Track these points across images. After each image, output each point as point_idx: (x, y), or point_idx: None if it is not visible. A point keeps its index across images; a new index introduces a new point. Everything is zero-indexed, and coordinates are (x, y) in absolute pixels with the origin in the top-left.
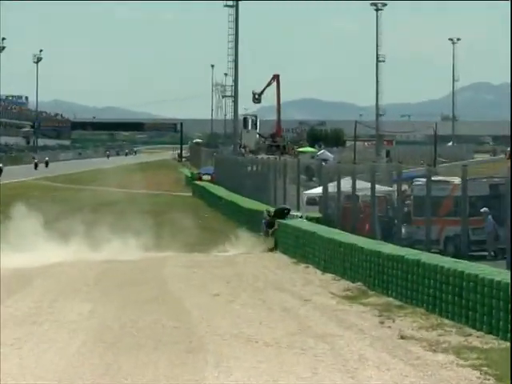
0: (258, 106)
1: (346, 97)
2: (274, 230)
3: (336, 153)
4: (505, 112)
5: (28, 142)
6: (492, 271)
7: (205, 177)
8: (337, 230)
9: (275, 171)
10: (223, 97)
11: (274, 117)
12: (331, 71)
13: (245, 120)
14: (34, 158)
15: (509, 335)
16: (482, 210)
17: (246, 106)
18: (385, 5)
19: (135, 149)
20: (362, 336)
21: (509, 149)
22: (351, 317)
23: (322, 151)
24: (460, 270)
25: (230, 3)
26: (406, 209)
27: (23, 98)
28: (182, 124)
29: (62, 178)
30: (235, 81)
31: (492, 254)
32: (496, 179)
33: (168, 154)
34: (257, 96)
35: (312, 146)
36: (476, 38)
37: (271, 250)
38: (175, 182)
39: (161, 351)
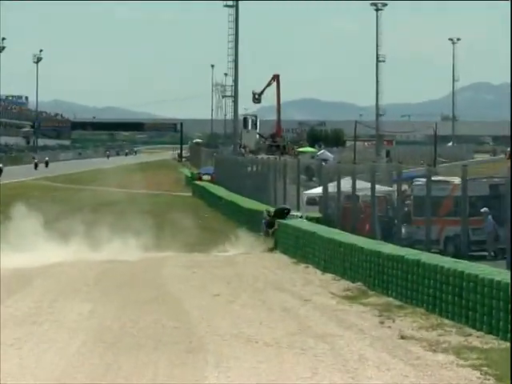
0: (257, 106)
1: (346, 97)
2: (274, 230)
3: (336, 153)
4: (505, 112)
5: (28, 142)
6: (492, 271)
7: (205, 177)
8: (337, 230)
9: (275, 171)
10: (223, 97)
11: (274, 117)
12: (331, 71)
13: (245, 120)
14: (33, 158)
15: (509, 335)
16: (481, 210)
17: (246, 106)
18: (385, 5)
19: (135, 149)
20: (362, 336)
21: (509, 149)
22: (351, 317)
23: (321, 151)
24: (460, 270)
25: (230, 3)
26: (405, 209)
27: (23, 98)
28: (181, 124)
29: (62, 178)
30: (235, 81)
31: (492, 254)
32: (496, 179)
33: (168, 154)
34: (257, 96)
35: (312, 146)
36: (476, 37)
37: (271, 250)
38: (175, 182)
39: (161, 351)
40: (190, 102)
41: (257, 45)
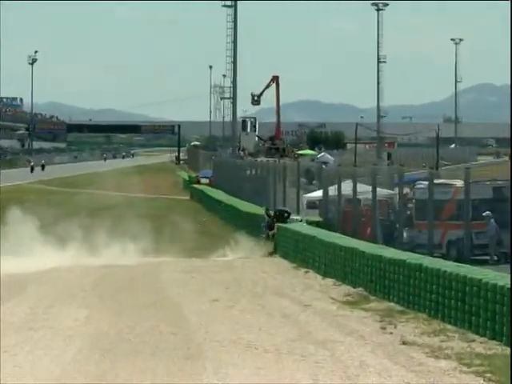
0: (256, 107)
1: (347, 98)
2: (273, 233)
3: (336, 155)
4: (508, 113)
5: (23, 145)
6: (495, 276)
7: (203, 180)
8: (337, 234)
9: (275, 174)
10: (222, 98)
11: (274, 119)
12: (331, 72)
13: (244, 122)
14: (29, 161)
15: None
16: (484, 214)
17: (245, 108)
18: (386, 5)
19: (132, 151)
20: (363, 342)
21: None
22: (352, 322)
23: (322, 154)
24: (463, 274)
25: (229, 3)
26: (407, 212)
27: (18, 100)
28: (179, 126)
29: (59, 182)
30: (234, 82)
31: (495, 258)
32: (499, 182)
33: (166, 156)
34: (256, 98)
35: (312, 149)
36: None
37: (271, 254)
38: (173, 186)
39: (158, 358)
40: (188, 103)
41: (256, 46)
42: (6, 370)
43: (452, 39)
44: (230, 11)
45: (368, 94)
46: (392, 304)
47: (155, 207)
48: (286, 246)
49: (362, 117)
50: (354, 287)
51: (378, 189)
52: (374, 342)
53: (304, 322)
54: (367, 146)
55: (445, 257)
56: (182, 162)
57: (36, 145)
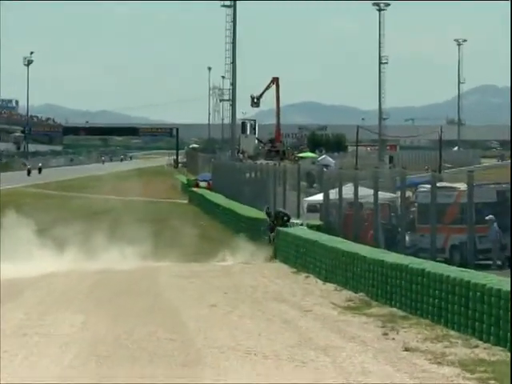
0: (256, 109)
1: (348, 100)
2: (273, 236)
3: (337, 158)
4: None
5: (18, 148)
6: (499, 281)
7: (202, 183)
8: (338, 239)
9: (275, 177)
10: (221, 100)
11: (273, 121)
12: (332, 73)
13: (243, 124)
14: (24, 165)
15: None
16: (487, 218)
17: (245, 110)
18: (388, 5)
19: (130, 154)
20: (365, 348)
21: None
22: (353, 328)
23: (322, 157)
24: (466, 279)
25: (228, 3)
26: (410, 216)
27: (13, 102)
28: (177, 129)
29: (57, 185)
30: (233, 84)
31: (499, 263)
32: (504, 185)
33: (164, 159)
34: (255, 99)
35: (313, 152)
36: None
37: (271, 259)
38: (171, 189)
39: (156, 364)
40: (187, 105)
41: (256, 46)
42: (1, 376)
43: (455, 40)
44: (229, 11)
45: (370, 96)
46: (394, 309)
47: (153, 211)
48: (287, 250)
49: (363, 119)
50: (356, 292)
51: (379, 192)
52: (376, 348)
53: (304, 328)
54: (369, 148)
55: (448, 261)
56: (180, 164)
57: (32, 147)
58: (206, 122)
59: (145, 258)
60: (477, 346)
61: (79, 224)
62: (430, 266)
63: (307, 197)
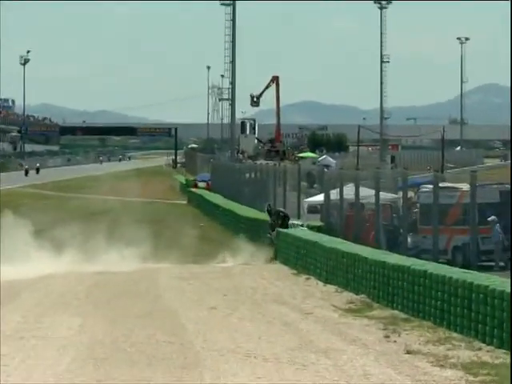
0: (256, 109)
1: (349, 99)
2: (274, 235)
3: (338, 158)
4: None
5: (15, 148)
6: (502, 282)
7: (201, 184)
8: (339, 240)
9: (275, 178)
10: (220, 100)
11: (273, 121)
12: (333, 72)
13: (243, 124)
14: (21, 165)
15: None
16: (489, 219)
17: (244, 110)
18: (389, 3)
19: (129, 154)
20: (366, 351)
21: None
22: (355, 331)
23: (323, 157)
24: (469, 281)
25: (227, 2)
26: (412, 217)
27: (9, 102)
28: (176, 129)
29: (55, 186)
30: (232, 83)
31: (502, 264)
32: (507, 185)
33: (162, 159)
34: (255, 99)
35: (313, 152)
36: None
37: (271, 260)
38: (170, 190)
39: (155, 367)
40: (185, 105)
41: (255, 45)
42: None
43: (458, 38)
44: (229, 9)
45: (371, 95)
46: (396, 311)
47: (152, 212)
48: (287, 251)
49: (364, 118)
50: (357, 294)
51: (381, 193)
52: (378, 350)
53: (305, 331)
54: (370, 148)
55: (450, 263)
56: (179, 165)
57: (28, 147)
58: (205, 121)
59: (144, 260)
60: (480, 349)
61: (77, 225)
62: (432, 267)
63: (308, 197)
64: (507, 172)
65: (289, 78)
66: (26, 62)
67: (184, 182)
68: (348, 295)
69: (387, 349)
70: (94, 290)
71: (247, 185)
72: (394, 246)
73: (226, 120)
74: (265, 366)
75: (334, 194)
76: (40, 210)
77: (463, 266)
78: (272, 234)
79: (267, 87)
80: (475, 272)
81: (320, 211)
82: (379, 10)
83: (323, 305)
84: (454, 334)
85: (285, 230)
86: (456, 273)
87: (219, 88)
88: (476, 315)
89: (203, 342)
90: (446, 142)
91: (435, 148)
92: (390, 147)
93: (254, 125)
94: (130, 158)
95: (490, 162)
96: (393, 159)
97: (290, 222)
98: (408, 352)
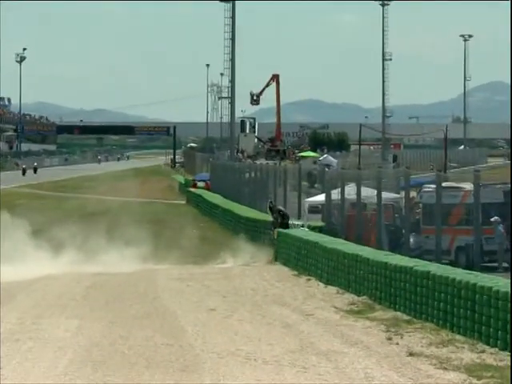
0: (256, 107)
1: (351, 98)
2: (275, 233)
3: (340, 157)
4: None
5: (11, 147)
6: (506, 283)
7: (200, 184)
8: (341, 240)
9: (275, 178)
10: (219, 98)
11: (274, 119)
12: (334, 70)
13: (242, 123)
14: (17, 164)
15: None
16: (492, 219)
17: (244, 108)
18: None
19: (127, 154)
20: (368, 353)
21: None
22: (356, 332)
23: (324, 156)
24: (472, 282)
25: None
26: (414, 217)
27: (5, 100)
28: (175, 127)
29: (53, 186)
30: (232, 81)
31: (506, 265)
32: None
33: (161, 158)
34: (255, 97)
35: (314, 151)
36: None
37: (271, 261)
38: (168, 190)
39: (153, 370)
40: (184, 103)
41: (255, 42)
42: None
43: (461, 35)
44: (228, 6)
45: (373, 93)
46: (398, 313)
47: (150, 212)
48: (287, 252)
49: (366, 117)
50: (359, 296)
51: (383, 192)
52: (380, 353)
53: (306, 332)
54: (372, 147)
55: (453, 263)
56: (177, 164)
57: (24, 147)
58: (204, 120)
59: (142, 261)
60: (483, 351)
61: (75, 225)
62: (435, 268)
63: (308, 197)
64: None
65: (289, 75)
66: (22, 59)
67: (183, 182)
68: (349, 296)
69: (389, 351)
70: (92, 291)
71: (247, 185)
72: (396, 246)
73: (226, 119)
74: (265, 368)
75: (336, 194)
76: (38, 210)
77: (467, 267)
78: (274, 232)
79: (267, 85)
80: (479, 273)
81: (321, 211)
82: (381, 7)
83: (324, 306)
84: (457, 336)
85: (285, 231)
86: (459, 274)
87: (218, 86)
88: (480, 317)
89: (202, 345)
90: (448, 140)
91: (438, 147)
92: (392, 146)
93: (254, 123)
94: (128, 158)
95: (493, 162)
96: (395, 158)
97: (291, 222)
98: (410, 354)
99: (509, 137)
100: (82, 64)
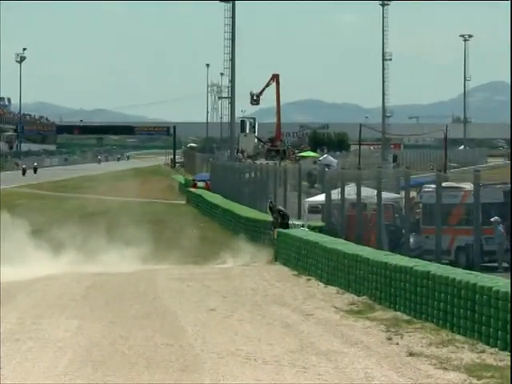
0: (256, 107)
1: (351, 98)
2: (276, 233)
3: (340, 157)
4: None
5: (11, 147)
6: (506, 283)
7: (200, 184)
8: (341, 240)
9: (275, 178)
10: (219, 98)
11: (274, 119)
12: (334, 70)
13: (242, 123)
14: (17, 164)
15: None
16: (492, 220)
17: (244, 108)
18: None
19: (127, 154)
20: (368, 353)
21: None
22: (356, 332)
23: (324, 156)
24: (472, 282)
25: None
26: (414, 217)
27: (5, 100)
28: (174, 127)
29: (54, 186)
30: (232, 81)
31: (505, 265)
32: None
33: (161, 158)
34: (255, 97)
35: (314, 151)
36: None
37: (271, 261)
38: (168, 190)
39: (153, 370)
40: (184, 103)
41: (255, 42)
42: None
43: (461, 35)
44: (228, 6)
45: (373, 93)
46: (398, 313)
47: (150, 212)
48: (287, 252)
49: (366, 117)
50: (359, 296)
51: (383, 192)
52: (380, 353)
53: (306, 332)
54: (372, 147)
55: (453, 264)
56: (177, 164)
57: (24, 147)
58: (204, 120)
59: (143, 261)
60: (483, 351)
61: (76, 225)
62: (435, 268)
63: (308, 197)
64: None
65: (289, 75)
66: (22, 59)
67: (183, 182)
68: (349, 296)
69: (389, 351)
70: (92, 291)
71: (247, 185)
72: (396, 246)
73: (226, 119)
74: (265, 368)
75: (336, 194)
76: (38, 210)
77: (467, 267)
78: (275, 232)
79: (267, 85)
80: (479, 273)
81: (321, 211)
82: (381, 8)
83: (324, 306)
84: (457, 336)
85: (285, 231)
86: (459, 274)
87: (218, 86)
88: (480, 317)
89: (202, 345)
90: (448, 140)
91: (438, 147)
92: (392, 146)
93: (254, 123)
94: (128, 158)
95: (493, 162)
96: (395, 158)
97: (291, 222)
98: (410, 354)
99: (509, 137)
100: (82, 64)
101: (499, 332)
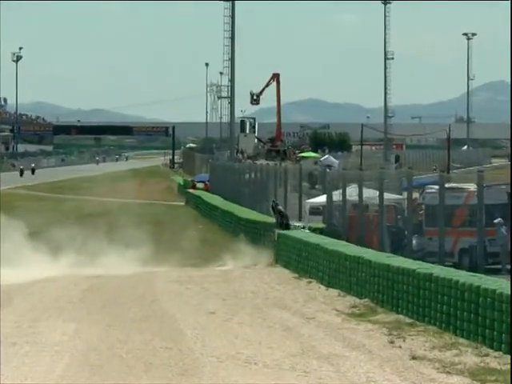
0: (256, 107)
1: (352, 97)
2: (276, 234)
3: (341, 158)
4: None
5: (7, 148)
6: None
7: (199, 185)
8: (342, 242)
9: (275, 178)
10: (219, 98)
11: (274, 119)
12: (335, 70)
13: (242, 123)
14: (13, 165)
15: None
16: (495, 221)
17: (244, 108)
18: None
19: (126, 154)
20: (370, 357)
21: None
22: (358, 336)
23: (325, 156)
24: (476, 284)
25: None
26: (417, 218)
27: (1, 100)
28: (173, 128)
29: (51, 187)
30: (231, 80)
31: (508, 267)
32: None
33: (160, 159)
34: (255, 97)
35: (315, 151)
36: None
37: (271, 263)
38: (167, 191)
39: (152, 374)
40: (183, 103)
41: (255, 41)
42: None
43: (464, 34)
44: (228, 5)
45: (375, 93)
46: (401, 316)
47: (149, 214)
48: (288, 254)
49: (368, 117)
50: (360, 298)
51: (385, 193)
52: (382, 356)
53: (307, 336)
54: (374, 147)
55: (457, 266)
56: (176, 165)
57: (21, 147)
58: (204, 120)
59: (141, 263)
60: (487, 355)
61: (74, 227)
62: (438, 270)
63: (309, 199)
64: None
65: (290, 75)
66: (18, 59)
67: (182, 183)
68: (351, 299)
69: (392, 355)
70: (89, 294)
71: (247, 186)
72: (398, 248)
73: (225, 119)
74: (265, 372)
75: (337, 195)
76: (36, 212)
77: (470, 269)
78: (274, 234)
79: (267, 85)
80: (482, 275)
81: (322, 213)
82: (382, 7)
83: (325, 309)
84: (461, 340)
85: (286, 232)
86: (463, 276)
87: (218, 86)
88: (483, 320)
89: (202, 348)
90: (451, 141)
91: (441, 147)
92: (394, 146)
93: (254, 124)
94: (127, 158)
95: (497, 162)
96: (397, 159)
97: (292, 223)
98: (413, 358)
99: None
100: (81, 64)
101: (503, 335)
